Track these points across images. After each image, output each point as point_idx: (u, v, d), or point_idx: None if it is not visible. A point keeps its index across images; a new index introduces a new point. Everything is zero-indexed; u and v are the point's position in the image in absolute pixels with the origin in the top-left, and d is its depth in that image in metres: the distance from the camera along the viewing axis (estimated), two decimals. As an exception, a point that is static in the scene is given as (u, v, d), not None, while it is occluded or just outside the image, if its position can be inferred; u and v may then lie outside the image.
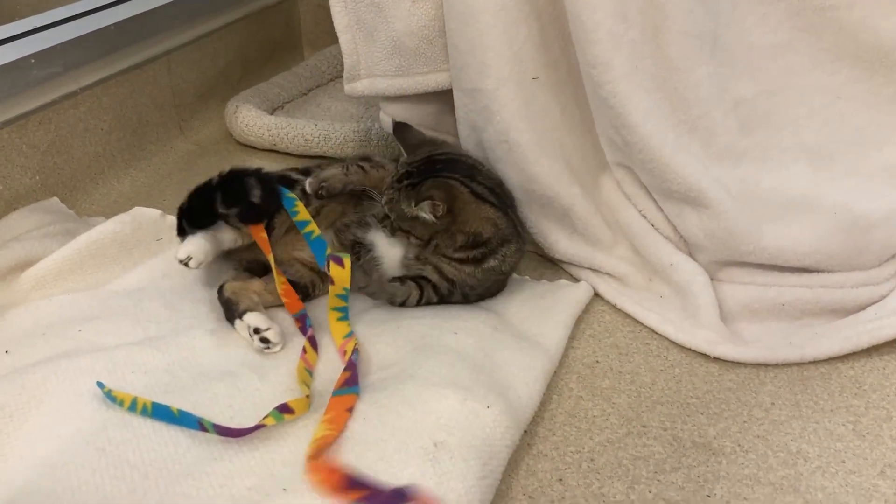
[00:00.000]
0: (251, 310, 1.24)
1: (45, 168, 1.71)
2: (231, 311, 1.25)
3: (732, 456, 1.10)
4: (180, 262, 1.24)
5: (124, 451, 1.01)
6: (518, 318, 1.35)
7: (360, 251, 1.36)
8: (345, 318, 1.28)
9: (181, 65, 2.11)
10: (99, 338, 1.24)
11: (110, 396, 1.07)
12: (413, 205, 1.23)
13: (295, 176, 1.39)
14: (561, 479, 1.07)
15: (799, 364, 1.28)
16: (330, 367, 1.20)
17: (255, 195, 1.30)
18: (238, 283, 1.29)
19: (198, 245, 1.26)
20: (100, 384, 1.08)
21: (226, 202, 1.29)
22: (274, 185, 1.33)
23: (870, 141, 1.46)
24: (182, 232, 1.33)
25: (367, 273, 1.33)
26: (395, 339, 1.26)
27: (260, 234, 1.31)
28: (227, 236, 1.32)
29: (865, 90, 1.46)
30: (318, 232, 1.31)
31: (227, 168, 1.35)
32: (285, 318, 1.30)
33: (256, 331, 1.21)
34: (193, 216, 1.31)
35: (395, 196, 1.25)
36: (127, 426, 1.04)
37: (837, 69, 1.46)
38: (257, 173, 1.33)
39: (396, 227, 1.27)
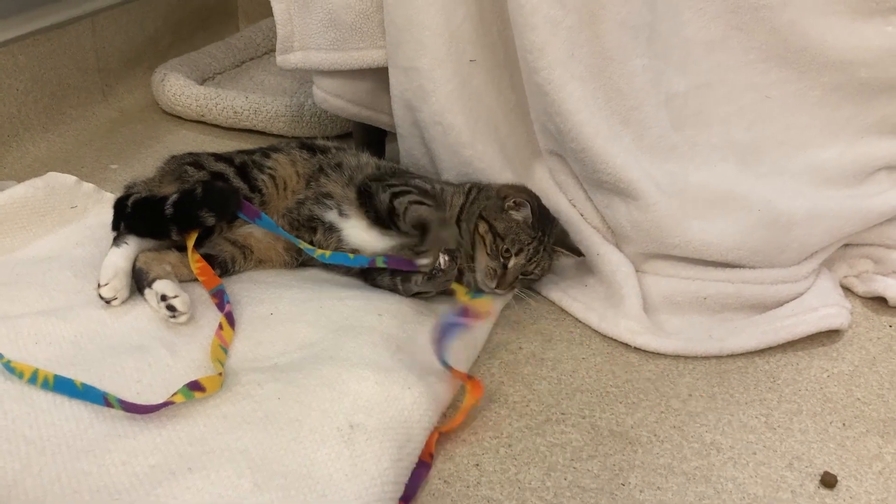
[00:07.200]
0: (161, 278, 1.19)
1: (-48, 126, 1.62)
2: (141, 281, 1.20)
3: (648, 445, 1.11)
4: (103, 299, 1.18)
5: (20, 426, 0.95)
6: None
7: (316, 226, 1.35)
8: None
9: (107, 28, 2.02)
10: (2, 306, 1.17)
11: (9, 367, 1.01)
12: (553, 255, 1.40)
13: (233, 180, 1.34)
14: (478, 465, 1.06)
15: (717, 357, 1.30)
16: (246, 344, 1.16)
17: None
18: (152, 254, 1.24)
19: (123, 282, 1.20)
20: (-3, 354, 1.02)
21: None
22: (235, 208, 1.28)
23: (796, 141, 1.50)
24: (117, 227, 1.27)
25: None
26: (318, 318, 1.23)
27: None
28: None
29: (793, 91, 1.49)
30: (327, 252, 1.33)
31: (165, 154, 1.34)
32: (203, 294, 1.25)
33: (164, 297, 1.16)
34: (142, 227, 1.25)
35: (544, 255, 1.37)
36: (25, 399, 0.98)
37: (767, 69, 1.48)
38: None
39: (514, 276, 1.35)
